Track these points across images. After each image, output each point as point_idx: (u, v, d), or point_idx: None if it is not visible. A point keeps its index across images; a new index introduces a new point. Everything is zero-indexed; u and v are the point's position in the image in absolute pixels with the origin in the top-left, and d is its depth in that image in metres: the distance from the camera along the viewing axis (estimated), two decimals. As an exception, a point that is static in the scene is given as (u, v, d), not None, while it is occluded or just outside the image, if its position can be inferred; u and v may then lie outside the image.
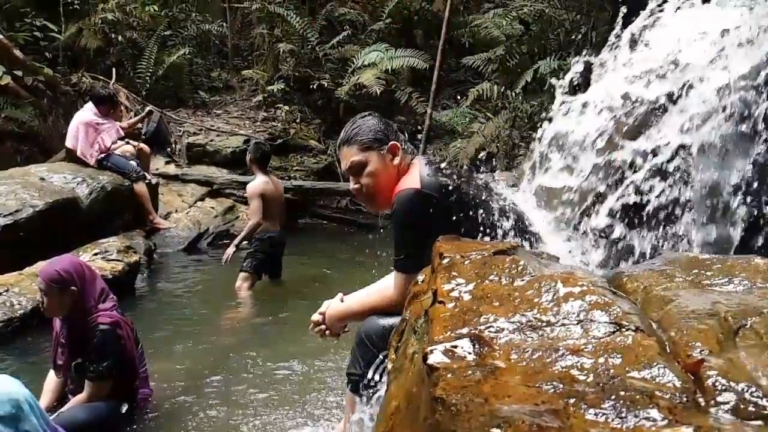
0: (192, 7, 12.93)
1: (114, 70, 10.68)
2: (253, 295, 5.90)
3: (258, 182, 6.00)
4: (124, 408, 3.33)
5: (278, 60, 11.72)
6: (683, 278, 1.50)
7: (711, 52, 2.35)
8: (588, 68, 2.64)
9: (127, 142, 7.75)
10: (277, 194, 6.15)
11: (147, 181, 7.49)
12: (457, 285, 1.44)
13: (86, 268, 3.34)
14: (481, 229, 2.21)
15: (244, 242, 6.05)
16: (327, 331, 2.54)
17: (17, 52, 9.29)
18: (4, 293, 4.73)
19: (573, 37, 9.28)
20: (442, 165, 2.39)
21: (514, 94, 9.30)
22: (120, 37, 11.09)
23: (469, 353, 1.17)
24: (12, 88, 9.12)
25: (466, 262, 1.53)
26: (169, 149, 9.46)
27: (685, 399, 1.01)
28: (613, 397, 1.02)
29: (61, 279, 3.15)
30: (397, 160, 2.39)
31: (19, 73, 9.24)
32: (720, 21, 2.44)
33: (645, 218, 2.27)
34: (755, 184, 2.19)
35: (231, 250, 6.03)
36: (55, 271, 3.17)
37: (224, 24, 12.79)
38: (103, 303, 3.27)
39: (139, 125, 8.97)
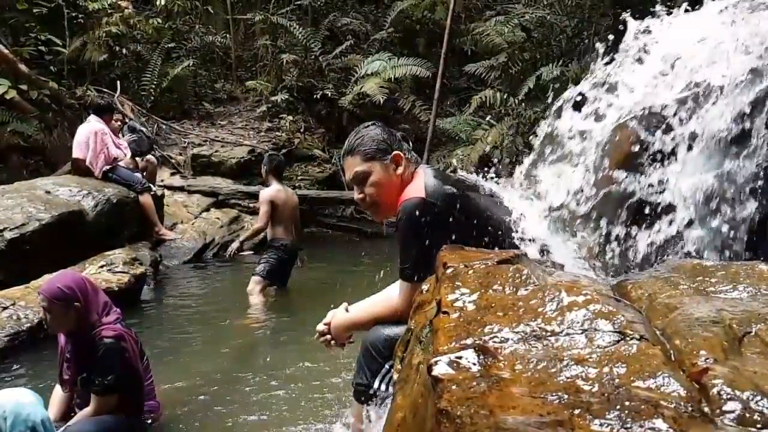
0: (195, 20, 13.03)
1: (118, 82, 10.76)
2: (259, 305, 5.91)
3: (270, 189, 6.16)
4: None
5: (282, 70, 11.79)
6: (688, 285, 1.49)
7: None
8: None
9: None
10: (289, 204, 6.25)
11: (152, 193, 7.52)
12: (461, 295, 1.44)
13: (88, 283, 3.33)
14: (486, 237, 2.21)
15: (258, 249, 6.19)
16: (332, 341, 2.54)
17: (22, 67, 9.36)
18: (11, 307, 4.74)
19: (575, 43, 9.30)
20: (447, 173, 2.38)
21: (517, 100, 9.31)
22: (124, 50, 11.18)
23: (474, 364, 1.17)
24: (17, 102, 9.18)
25: (470, 272, 1.53)
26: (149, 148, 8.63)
27: (690, 408, 1.00)
28: (618, 407, 1.01)
29: (64, 295, 3.14)
30: (400, 170, 2.39)
31: (25, 87, 9.31)
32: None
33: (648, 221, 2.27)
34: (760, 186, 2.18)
35: (235, 245, 6.53)
36: (57, 288, 3.15)
37: (228, 35, 12.87)
38: (106, 316, 3.26)
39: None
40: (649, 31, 2.66)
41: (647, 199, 2.29)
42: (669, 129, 2.31)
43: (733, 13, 2.51)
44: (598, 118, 2.55)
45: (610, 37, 2.80)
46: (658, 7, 2.70)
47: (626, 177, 2.33)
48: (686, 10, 2.68)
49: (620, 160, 2.38)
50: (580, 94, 2.63)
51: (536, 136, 2.77)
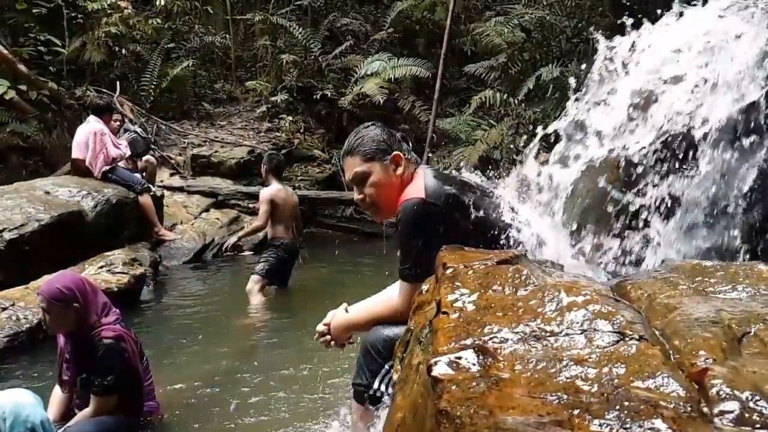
0: (195, 20, 13.03)
1: (118, 83, 10.75)
2: (258, 305, 5.91)
3: (270, 189, 6.18)
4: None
5: (281, 71, 11.78)
6: (687, 285, 1.49)
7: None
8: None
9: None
10: (289, 203, 6.28)
11: (152, 193, 7.52)
12: (460, 295, 1.44)
13: (87, 283, 3.33)
14: (486, 237, 2.20)
15: (258, 249, 6.21)
16: (332, 342, 2.54)
17: (22, 67, 9.36)
18: (10, 307, 4.74)
19: (574, 43, 9.30)
20: (447, 173, 2.38)
21: (516, 101, 9.31)
22: (123, 51, 11.17)
23: (474, 364, 1.17)
24: (17, 102, 9.18)
25: (470, 272, 1.53)
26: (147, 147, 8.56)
27: (689, 408, 1.00)
28: (617, 407, 1.01)
29: (63, 296, 3.13)
30: (400, 170, 2.39)
31: (24, 87, 9.31)
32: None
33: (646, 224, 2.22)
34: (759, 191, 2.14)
35: (233, 239, 6.75)
36: (57, 289, 3.15)
37: (227, 36, 12.87)
38: (106, 317, 3.26)
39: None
40: (614, 57, 2.39)
41: (621, 273, 2.12)
42: (643, 192, 2.13)
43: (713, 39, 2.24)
44: (565, 167, 2.37)
45: (583, 66, 2.60)
46: (626, 19, 2.43)
47: (598, 238, 2.18)
48: (657, 16, 2.41)
49: (592, 222, 2.26)
50: (554, 132, 2.45)
51: (523, 161, 2.58)
